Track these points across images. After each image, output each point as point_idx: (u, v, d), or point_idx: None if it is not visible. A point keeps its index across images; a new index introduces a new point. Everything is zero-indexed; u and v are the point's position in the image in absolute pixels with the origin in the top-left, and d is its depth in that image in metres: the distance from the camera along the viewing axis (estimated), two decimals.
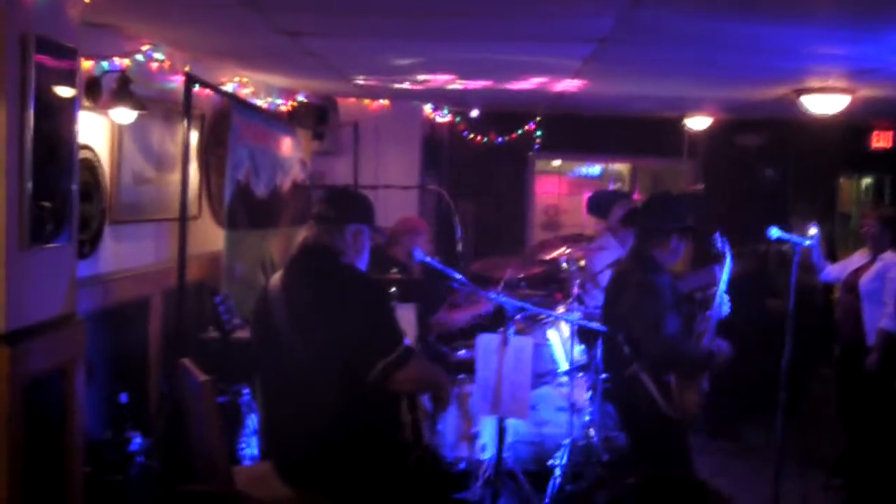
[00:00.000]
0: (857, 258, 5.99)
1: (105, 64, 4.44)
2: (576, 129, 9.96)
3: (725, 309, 4.37)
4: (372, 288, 3.38)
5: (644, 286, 4.16)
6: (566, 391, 5.23)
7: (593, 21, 4.21)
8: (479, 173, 10.20)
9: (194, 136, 5.69)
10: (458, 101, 8.56)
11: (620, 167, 12.99)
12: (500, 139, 9.54)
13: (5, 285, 3.14)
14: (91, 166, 4.53)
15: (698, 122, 9.08)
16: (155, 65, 4.87)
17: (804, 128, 8.33)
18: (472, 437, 4.97)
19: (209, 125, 6.07)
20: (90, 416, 4.00)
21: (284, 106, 7.39)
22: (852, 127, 9.11)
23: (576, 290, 5.48)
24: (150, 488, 4.25)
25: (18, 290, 3.22)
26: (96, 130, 4.61)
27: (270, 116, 6.89)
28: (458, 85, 6.96)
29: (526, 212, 10.81)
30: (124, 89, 4.46)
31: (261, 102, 6.80)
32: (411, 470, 3.34)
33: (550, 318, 5.40)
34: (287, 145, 7.04)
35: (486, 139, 9.49)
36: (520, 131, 9.65)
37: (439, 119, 9.23)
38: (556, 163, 12.70)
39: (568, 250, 5.84)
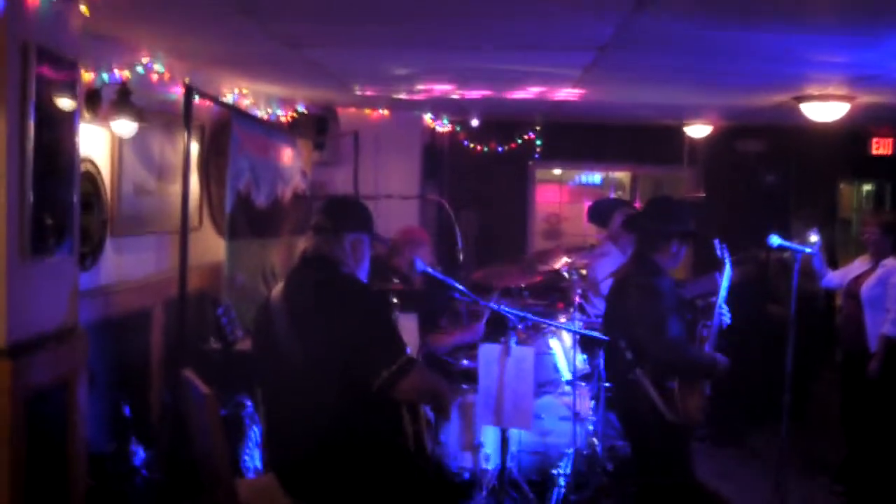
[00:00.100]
0: (858, 264, 5.98)
1: (105, 75, 4.45)
2: (576, 138, 9.98)
3: (726, 319, 4.35)
4: (372, 297, 3.36)
5: (646, 288, 4.13)
6: (569, 400, 5.22)
7: (593, 29, 4.21)
8: (480, 182, 10.21)
9: (195, 147, 5.70)
10: (458, 111, 8.56)
11: (621, 175, 12.98)
12: (500, 148, 9.55)
13: (6, 298, 3.14)
14: (92, 178, 4.54)
15: (698, 131, 9.08)
16: (155, 76, 4.87)
17: (805, 134, 8.32)
18: (476, 447, 4.96)
19: (209, 136, 6.08)
20: (92, 427, 3.99)
21: (284, 116, 7.39)
22: (853, 133, 9.12)
23: (577, 300, 5.47)
24: (153, 501, 4.24)
25: (20, 303, 3.22)
26: (97, 142, 4.62)
27: (271, 127, 6.90)
28: (458, 94, 6.97)
29: (527, 220, 10.81)
30: (124, 101, 4.47)
31: (261, 113, 6.81)
32: (414, 480, 3.33)
33: (552, 328, 5.39)
34: (287, 155, 7.05)
35: (486, 148, 9.50)
36: (520, 140, 9.66)
37: (439, 128, 9.24)
38: (557, 171, 12.70)
39: (569, 259, 5.82)
